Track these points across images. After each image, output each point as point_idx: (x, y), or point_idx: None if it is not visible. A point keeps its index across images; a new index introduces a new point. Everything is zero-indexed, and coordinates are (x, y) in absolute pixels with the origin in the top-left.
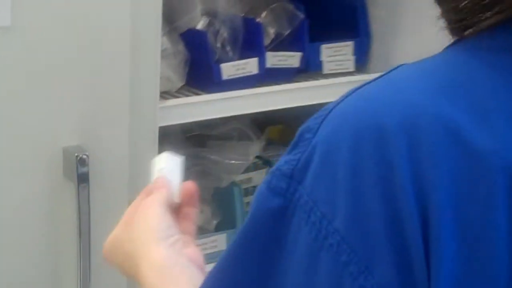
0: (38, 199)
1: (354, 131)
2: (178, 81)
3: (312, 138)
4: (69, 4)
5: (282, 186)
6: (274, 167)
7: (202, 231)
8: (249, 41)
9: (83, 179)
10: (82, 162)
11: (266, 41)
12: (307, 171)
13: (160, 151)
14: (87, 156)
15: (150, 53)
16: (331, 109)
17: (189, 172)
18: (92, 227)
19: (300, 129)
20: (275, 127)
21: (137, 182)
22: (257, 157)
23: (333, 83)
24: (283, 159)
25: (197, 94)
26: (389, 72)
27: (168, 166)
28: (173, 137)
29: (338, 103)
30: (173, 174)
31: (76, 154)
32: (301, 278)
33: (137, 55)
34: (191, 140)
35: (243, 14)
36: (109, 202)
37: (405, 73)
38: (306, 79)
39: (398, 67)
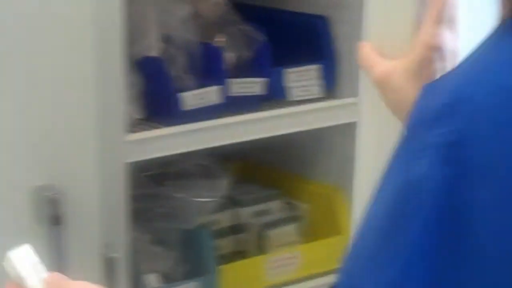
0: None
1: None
2: (135, 114)
3: (459, 107)
4: (31, 37)
5: (449, 155)
6: (425, 143)
7: (167, 279)
8: (208, 68)
9: (55, 220)
10: (54, 201)
11: (226, 67)
12: (471, 136)
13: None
14: (59, 195)
15: (115, 86)
16: (454, 90)
17: (152, 213)
18: (66, 271)
19: (437, 105)
20: (236, 163)
21: (109, 219)
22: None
23: (300, 110)
24: (434, 132)
25: (155, 127)
26: (468, 60)
27: (35, 261)
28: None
29: (459, 85)
30: (41, 266)
31: (47, 194)
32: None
33: (102, 87)
34: (149, 179)
35: (199, 39)
36: (81, 243)
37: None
38: (272, 107)
39: (468, 56)
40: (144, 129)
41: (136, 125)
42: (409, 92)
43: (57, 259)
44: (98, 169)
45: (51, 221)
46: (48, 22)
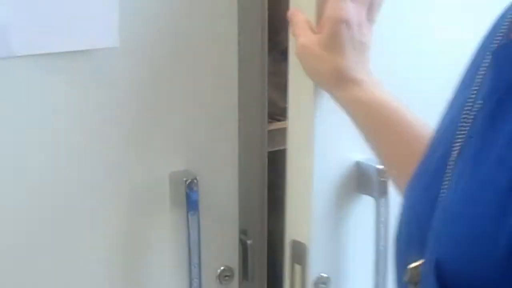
0: (147, 228)
1: None
2: (281, 102)
3: None
4: (174, 27)
5: None
6: None
7: None
8: None
9: (193, 205)
10: (191, 187)
11: None
12: None
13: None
14: (196, 180)
15: (257, 74)
16: None
17: None
18: (202, 256)
19: None
20: None
21: (247, 207)
22: None
23: None
24: None
25: None
26: None
27: None
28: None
29: None
30: None
31: (184, 179)
32: None
33: (243, 77)
34: None
35: None
36: (218, 229)
37: None
38: None
39: None
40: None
41: (280, 114)
42: (323, 63)
43: (194, 244)
44: (238, 157)
45: (189, 206)
46: (191, 10)
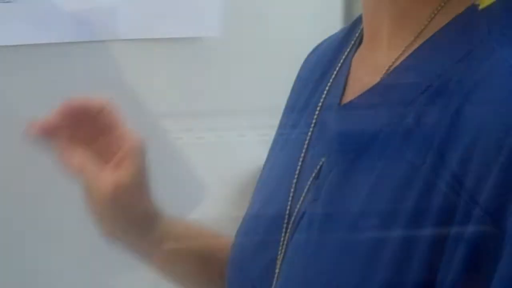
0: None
1: None
2: None
3: None
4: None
5: None
6: None
7: None
8: None
9: None
10: None
11: None
12: None
13: None
14: None
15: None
16: None
17: None
18: None
19: None
20: None
21: None
22: None
23: None
24: None
25: None
26: None
27: None
28: None
29: None
30: None
31: None
32: None
33: None
34: None
35: None
36: None
37: None
38: None
39: None
40: None
41: None
42: (133, 206)
43: None
44: None
45: None
46: (295, 7)
